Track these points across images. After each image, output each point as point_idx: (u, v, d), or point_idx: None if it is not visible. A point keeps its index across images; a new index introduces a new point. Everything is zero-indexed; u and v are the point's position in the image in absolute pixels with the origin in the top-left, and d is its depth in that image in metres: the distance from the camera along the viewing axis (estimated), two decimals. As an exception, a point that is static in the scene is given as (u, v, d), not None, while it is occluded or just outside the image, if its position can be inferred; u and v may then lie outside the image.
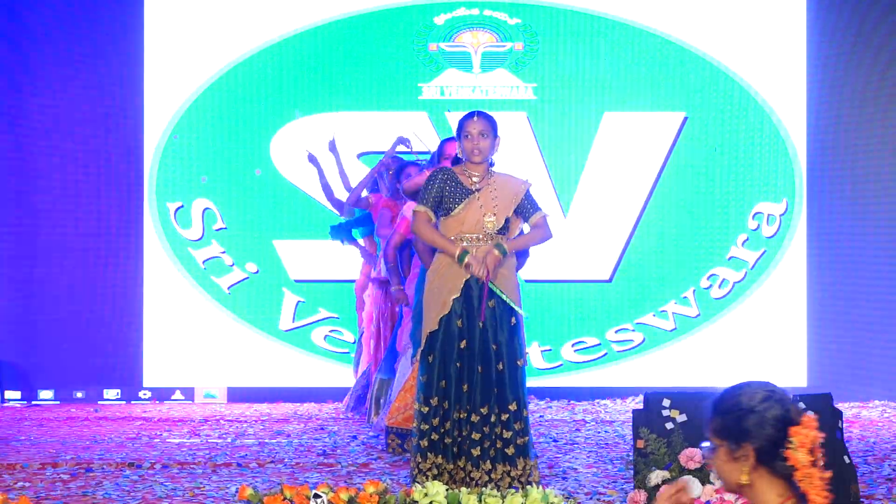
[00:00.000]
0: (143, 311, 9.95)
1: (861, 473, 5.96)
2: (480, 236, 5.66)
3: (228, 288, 9.97)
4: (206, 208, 9.95)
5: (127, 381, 9.94)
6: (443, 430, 5.57)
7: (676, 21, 10.02)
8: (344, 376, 9.68)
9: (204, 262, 9.96)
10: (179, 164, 9.98)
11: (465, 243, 5.66)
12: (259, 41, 9.98)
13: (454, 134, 6.17)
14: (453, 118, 9.84)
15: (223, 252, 9.97)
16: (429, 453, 5.56)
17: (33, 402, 9.81)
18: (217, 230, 9.96)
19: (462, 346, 5.61)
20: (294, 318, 9.97)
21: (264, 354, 9.96)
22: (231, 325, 9.96)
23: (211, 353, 9.97)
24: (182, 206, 9.95)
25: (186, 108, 9.95)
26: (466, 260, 5.62)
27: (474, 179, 5.72)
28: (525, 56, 10.01)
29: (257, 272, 9.97)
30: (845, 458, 5.19)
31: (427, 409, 5.57)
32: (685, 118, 10.00)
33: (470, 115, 5.90)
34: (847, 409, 9.05)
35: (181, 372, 9.98)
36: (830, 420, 5.23)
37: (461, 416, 5.59)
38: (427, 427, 5.57)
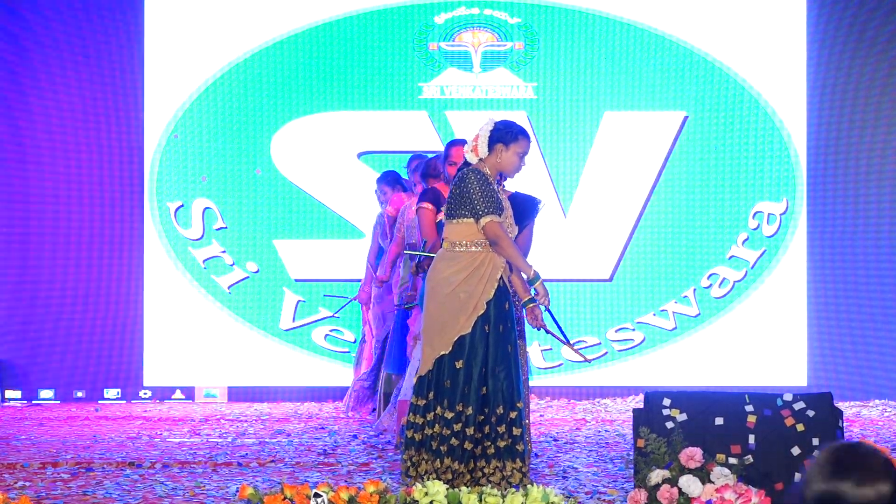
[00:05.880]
0: (144, 310, 9.97)
1: (861, 473, 5.93)
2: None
3: (229, 287, 9.98)
4: (207, 208, 9.96)
5: (127, 381, 9.96)
6: (463, 435, 5.57)
7: (676, 21, 10.02)
8: (344, 376, 9.68)
9: (204, 261, 9.97)
10: (179, 164, 9.99)
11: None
12: (259, 41, 9.98)
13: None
14: (456, 124, 9.88)
15: (223, 251, 9.98)
16: (446, 458, 5.57)
17: (34, 402, 9.82)
18: (217, 230, 9.98)
19: (485, 352, 5.61)
20: (294, 317, 9.98)
21: (264, 354, 9.98)
22: (231, 324, 9.97)
23: (211, 352, 9.98)
24: (182, 206, 9.96)
25: (186, 108, 9.96)
26: (537, 285, 5.66)
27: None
28: (525, 55, 10.02)
29: (257, 272, 9.98)
30: (845, 457, 5.19)
31: (452, 414, 5.58)
32: (685, 118, 10.02)
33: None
34: (847, 408, 9.06)
35: (181, 371, 9.99)
36: (830, 420, 5.23)
37: (480, 419, 5.60)
38: (448, 432, 5.57)
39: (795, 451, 5.13)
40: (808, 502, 2.51)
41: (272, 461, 6.61)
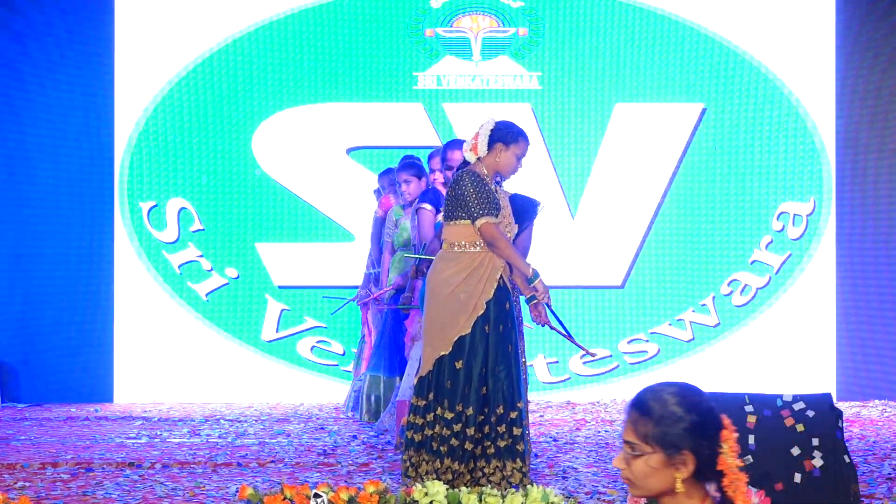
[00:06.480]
0: (114, 319, 10.68)
1: (861, 473, 6.96)
2: None
3: (206, 295, 10.75)
4: (182, 208, 10.69)
5: (96, 397, 10.62)
6: (463, 435, 6.67)
7: (693, 5, 10.70)
8: (332, 391, 10.51)
9: (179, 266, 10.73)
10: (153, 162, 10.65)
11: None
12: (238, 28, 10.68)
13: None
14: (454, 117, 10.63)
15: (200, 256, 10.73)
16: (446, 458, 6.69)
17: (33, 402, 10.73)
18: (194, 232, 10.70)
19: (485, 352, 6.74)
20: (278, 327, 10.73)
21: (245, 368, 10.71)
22: (209, 335, 10.74)
23: (186, 366, 10.70)
24: (156, 206, 10.69)
25: (161, 99, 10.66)
26: (536, 283, 6.75)
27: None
28: (529, 42, 10.76)
29: (238, 278, 10.74)
30: (845, 457, 6.20)
31: (452, 415, 6.67)
32: (703, 110, 10.74)
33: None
34: (847, 408, 9.96)
35: (154, 387, 10.67)
36: (830, 420, 6.22)
37: (480, 419, 6.68)
38: (448, 433, 6.67)
39: (795, 451, 6.12)
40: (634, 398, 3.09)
41: (272, 461, 7.75)
